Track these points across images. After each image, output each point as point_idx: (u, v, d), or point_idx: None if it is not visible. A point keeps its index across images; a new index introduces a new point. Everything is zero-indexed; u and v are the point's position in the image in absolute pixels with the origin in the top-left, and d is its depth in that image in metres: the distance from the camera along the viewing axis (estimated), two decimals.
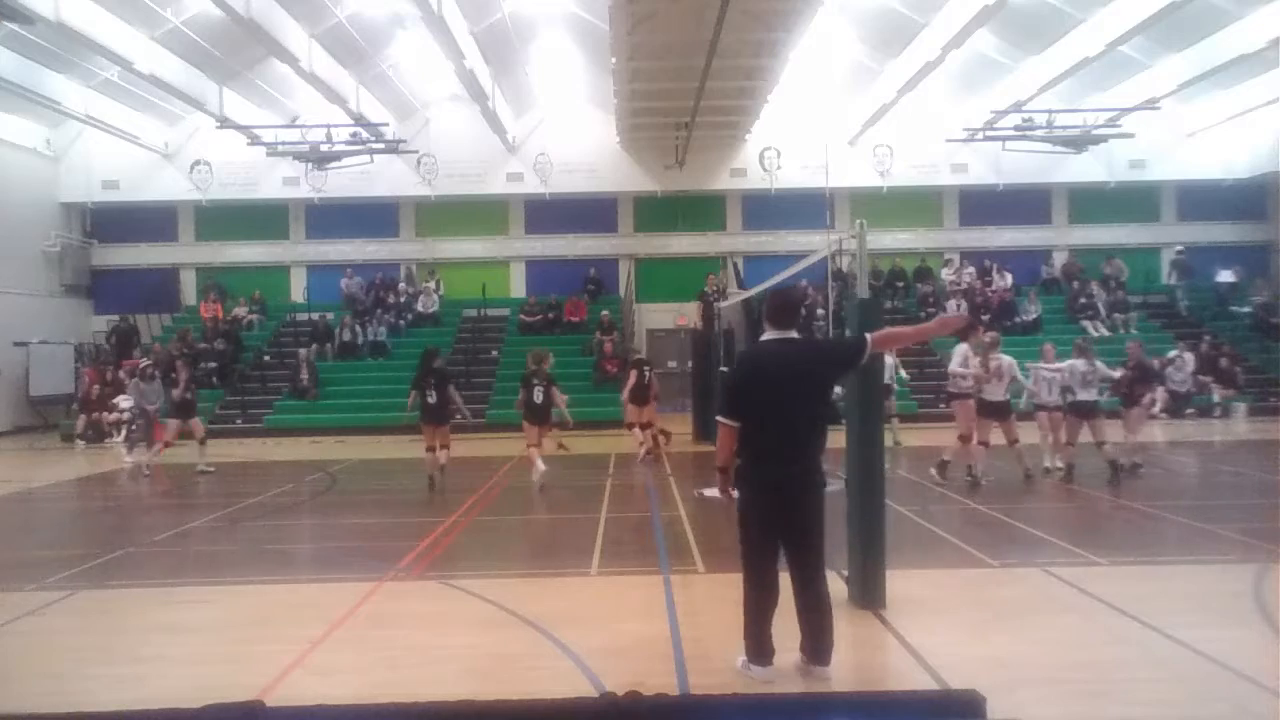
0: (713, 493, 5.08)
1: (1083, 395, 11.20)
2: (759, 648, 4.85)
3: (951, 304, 23.26)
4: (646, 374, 15.04)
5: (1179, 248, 24.93)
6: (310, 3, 18.00)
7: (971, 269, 24.39)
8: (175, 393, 14.77)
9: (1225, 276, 24.20)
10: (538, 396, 12.07)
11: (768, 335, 4.96)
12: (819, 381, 4.88)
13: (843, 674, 5.06)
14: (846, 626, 5.77)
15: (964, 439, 11.25)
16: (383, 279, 24.86)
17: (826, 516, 4.90)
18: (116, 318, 23.90)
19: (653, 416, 15.10)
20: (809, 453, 4.80)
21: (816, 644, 4.82)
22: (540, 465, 11.91)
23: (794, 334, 4.95)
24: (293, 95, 22.65)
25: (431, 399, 11.89)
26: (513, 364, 21.16)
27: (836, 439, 5.28)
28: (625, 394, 15.06)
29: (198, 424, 14.96)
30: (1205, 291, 24.52)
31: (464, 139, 24.07)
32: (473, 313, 24.18)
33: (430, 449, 11.95)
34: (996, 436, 11.36)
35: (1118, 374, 11.68)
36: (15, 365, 21.62)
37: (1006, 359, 11.32)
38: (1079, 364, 11.31)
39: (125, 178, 24.31)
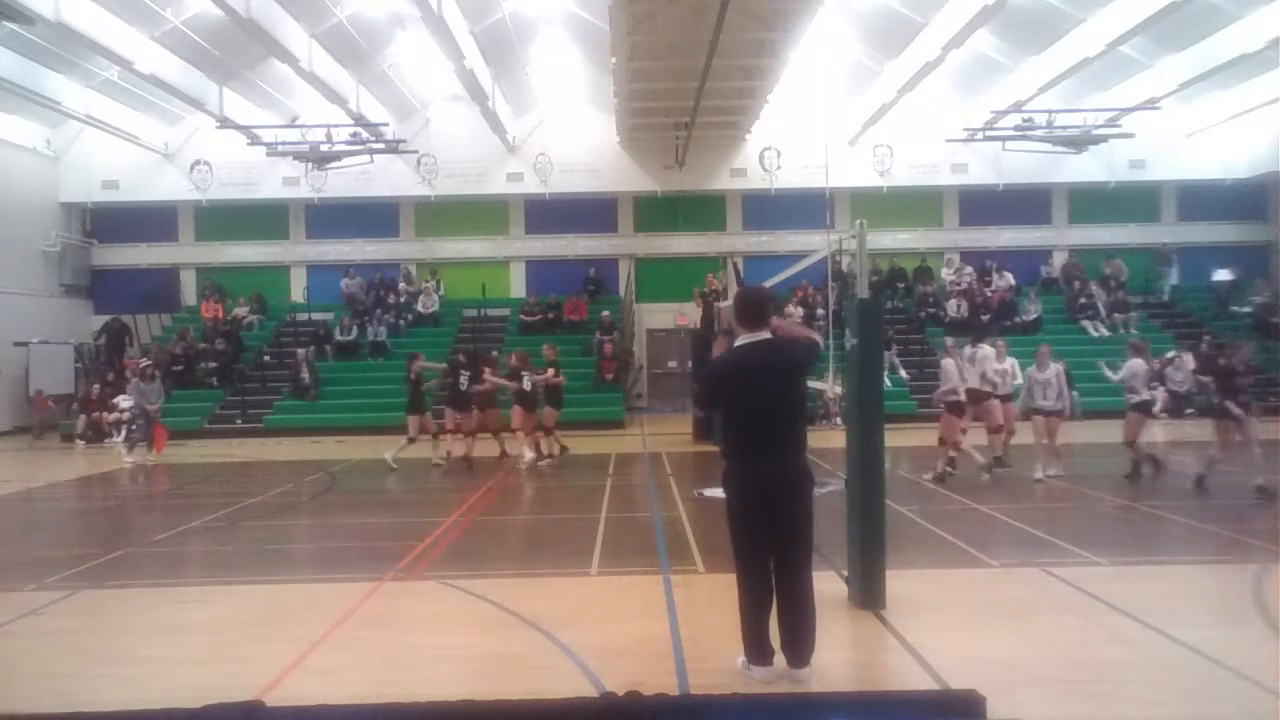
0: (714, 492, 5.08)
1: (1145, 395, 11.29)
2: (758, 648, 4.85)
3: (952, 304, 23.31)
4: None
5: (1164, 240, 24.97)
6: (310, 3, 18.00)
7: (971, 269, 24.39)
8: (456, 383, 14.22)
9: (1222, 275, 24.17)
10: (526, 385, 13.64)
11: (742, 339, 4.96)
12: (796, 380, 4.92)
13: (843, 674, 5.07)
14: (846, 626, 5.79)
15: (943, 442, 11.73)
16: (382, 279, 24.87)
17: (828, 516, 4.90)
18: (115, 318, 23.95)
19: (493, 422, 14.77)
20: (793, 451, 4.83)
21: (793, 645, 4.79)
22: (528, 454, 13.38)
23: (767, 334, 4.95)
24: (293, 95, 22.65)
25: (463, 386, 13.83)
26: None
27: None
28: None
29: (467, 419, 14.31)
30: (1204, 291, 24.54)
31: (464, 139, 24.06)
32: (473, 313, 24.15)
33: (446, 431, 13.90)
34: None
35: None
36: (15, 365, 21.62)
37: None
38: (1139, 363, 11.32)
39: (125, 178, 24.31)
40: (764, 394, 4.78)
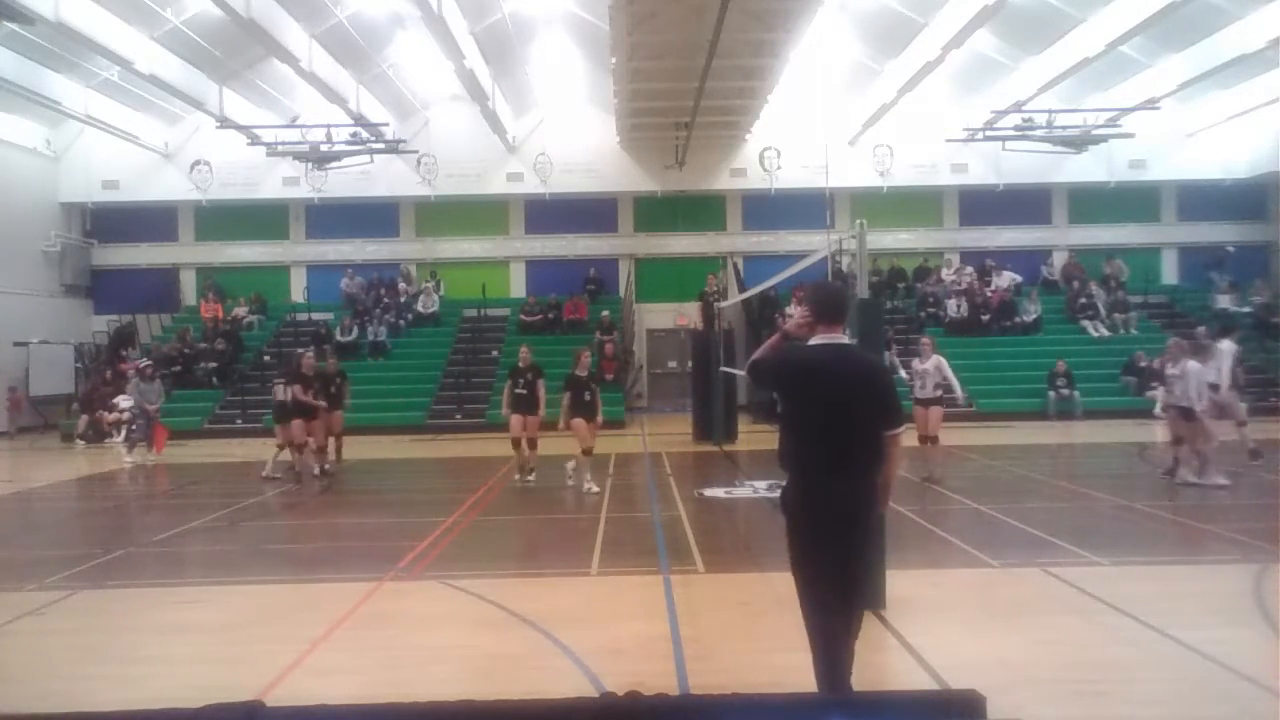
0: (713, 493, 5.02)
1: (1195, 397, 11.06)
2: (829, 685, 4.22)
3: (951, 303, 23.30)
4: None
5: (1230, 246, 24.67)
6: (310, 3, 18.00)
7: (971, 269, 24.38)
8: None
9: (1223, 304, 23.93)
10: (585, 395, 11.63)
11: (818, 339, 4.25)
12: (874, 399, 4.19)
13: None
14: None
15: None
16: (382, 279, 24.86)
17: None
18: (116, 318, 23.96)
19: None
20: (861, 475, 4.18)
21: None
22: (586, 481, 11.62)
23: (844, 338, 4.36)
24: (293, 95, 22.65)
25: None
26: (512, 364, 21.09)
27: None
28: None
29: None
30: (1204, 292, 24.49)
31: (464, 139, 24.07)
32: (473, 313, 24.16)
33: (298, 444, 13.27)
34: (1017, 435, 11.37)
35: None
36: (15, 365, 21.62)
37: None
38: (1195, 365, 11.08)
39: (125, 178, 24.30)
40: (832, 404, 4.13)
